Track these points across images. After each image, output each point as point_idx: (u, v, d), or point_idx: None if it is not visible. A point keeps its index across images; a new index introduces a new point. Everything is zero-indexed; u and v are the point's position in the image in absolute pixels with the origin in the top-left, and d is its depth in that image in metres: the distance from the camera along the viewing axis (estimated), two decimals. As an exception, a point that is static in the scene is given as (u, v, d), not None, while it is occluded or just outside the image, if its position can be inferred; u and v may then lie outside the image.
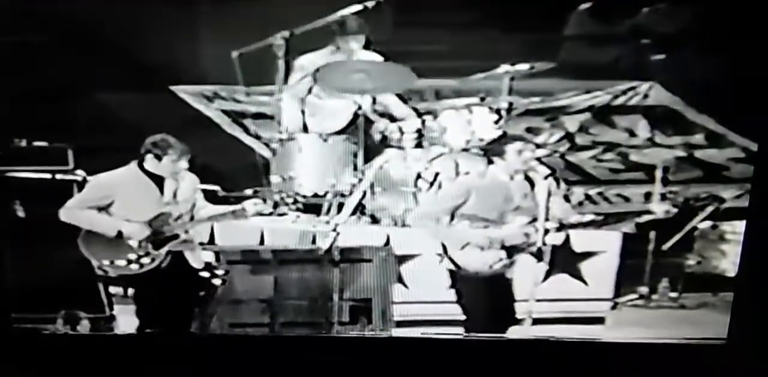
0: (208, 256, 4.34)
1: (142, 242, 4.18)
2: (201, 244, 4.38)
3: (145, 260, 4.24)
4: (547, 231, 4.32)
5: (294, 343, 4.41)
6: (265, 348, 4.36)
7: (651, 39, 4.26)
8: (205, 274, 4.32)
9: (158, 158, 4.18)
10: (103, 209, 4.23)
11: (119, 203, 4.21)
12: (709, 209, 4.44)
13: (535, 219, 4.31)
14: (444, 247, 4.35)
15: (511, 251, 4.33)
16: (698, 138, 4.44)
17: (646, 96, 4.42)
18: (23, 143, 4.26)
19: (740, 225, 4.35)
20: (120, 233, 4.17)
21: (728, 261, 4.42)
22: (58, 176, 4.30)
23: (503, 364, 4.33)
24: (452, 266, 4.34)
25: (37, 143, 4.25)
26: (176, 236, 4.24)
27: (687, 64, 4.26)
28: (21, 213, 4.24)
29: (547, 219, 4.33)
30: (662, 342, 4.32)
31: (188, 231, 4.23)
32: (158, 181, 4.27)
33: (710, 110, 4.37)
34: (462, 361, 4.36)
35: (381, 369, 4.34)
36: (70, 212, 4.17)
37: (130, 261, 4.21)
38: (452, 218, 4.34)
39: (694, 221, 4.45)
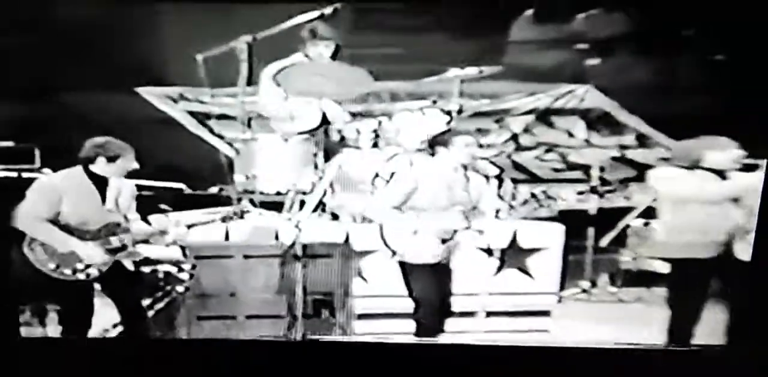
0: (176, 252, 4.10)
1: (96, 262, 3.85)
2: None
3: (92, 270, 3.83)
4: (491, 227, 4.18)
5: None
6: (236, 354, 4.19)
7: (587, 44, 4.20)
8: (173, 269, 4.08)
9: (111, 159, 3.77)
10: (54, 220, 3.76)
11: (66, 211, 3.75)
12: (642, 207, 4.36)
13: (474, 211, 4.15)
14: (381, 233, 4.11)
15: (452, 241, 4.13)
16: (629, 139, 4.39)
17: (582, 99, 4.35)
18: None
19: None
20: (72, 252, 3.76)
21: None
22: (25, 175, 4.02)
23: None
24: (401, 259, 4.11)
25: (3, 143, 4.03)
26: (124, 248, 3.84)
27: (619, 69, 4.20)
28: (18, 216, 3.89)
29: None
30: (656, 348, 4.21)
31: (135, 244, 3.88)
32: (100, 187, 3.82)
33: (640, 112, 4.32)
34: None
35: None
36: (27, 222, 3.71)
37: (75, 271, 3.79)
38: (401, 208, 4.15)
39: (627, 218, 4.35)
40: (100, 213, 3.84)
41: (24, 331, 4.14)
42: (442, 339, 4.16)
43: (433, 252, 4.02)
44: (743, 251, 4.08)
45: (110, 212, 3.85)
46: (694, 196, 4.04)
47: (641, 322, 4.19)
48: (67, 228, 3.79)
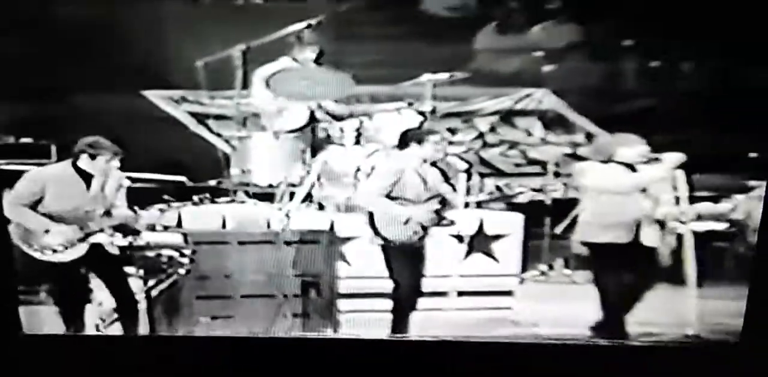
0: (178, 238, 4.33)
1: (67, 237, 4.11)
2: (166, 228, 4.35)
3: (71, 251, 4.13)
4: (460, 216, 4.44)
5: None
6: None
7: (543, 53, 4.42)
8: (175, 253, 4.28)
9: (92, 157, 4.11)
10: (34, 206, 4.08)
11: (49, 198, 4.09)
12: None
13: (444, 201, 4.40)
14: (371, 219, 4.35)
15: (426, 226, 4.38)
16: (580, 137, 4.61)
17: (540, 102, 4.57)
18: (11, 140, 4.25)
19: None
20: (47, 231, 4.06)
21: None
22: (29, 170, 4.20)
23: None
24: (381, 242, 4.36)
25: (23, 140, 4.25)
26: (100, 231, 4.15)
27: (570, 74, 4.42)
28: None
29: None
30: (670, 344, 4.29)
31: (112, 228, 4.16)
32: (87, 179, 4.15)
33: (588, 113, 4.53)
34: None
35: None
36: (10, 208, 4.05)
37: (55, 251, 4.10)
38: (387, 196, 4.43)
39: (577, 208, 4.55)
40: (83, 201, 4.12)
41: (23, 311, 4.22)
42: (437, 336, 4.26)
43: (412, 235, 4.31)
44: (648, 237, 4.33)
45: (93, 200, 4.12)
46: (609, 187, 4.32)
47: (593, 302, 4.36)
48: (47, 215, 4.07)
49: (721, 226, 4.40)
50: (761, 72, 3.98)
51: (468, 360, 4.23)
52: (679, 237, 4.38)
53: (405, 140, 4.42)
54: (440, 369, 4.20)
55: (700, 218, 4.40)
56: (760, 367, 4.07)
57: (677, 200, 4.33)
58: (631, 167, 4.31)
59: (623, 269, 4.36)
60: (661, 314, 4.37)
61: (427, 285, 4.44)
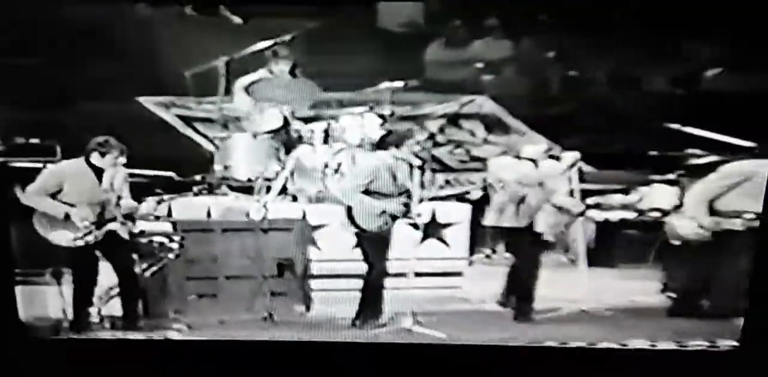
0: (168, 226, 4.63)
1: (87, 222, 4.41)
2: (158, 217, 4.67)
3: (89, 237, 4.45)
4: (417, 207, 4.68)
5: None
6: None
7: (482, 64, 4.79)
8: (165, 240, 4.56)
9: (102, 154, 4.45)
10: (54, 195, 4.45)
11: (67, 190, 4.45)
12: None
13: (410, 195, 4.66)
14: (350, 212, 4.60)
15: (395, 217, 4.62)
16: (514, 138, 4.91)
17: (481, 106, 4.90)
18: (21, 141, 4.53)
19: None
20: (67, 215, 4.39)
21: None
22: (49, 165, 4.50)
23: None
24: (356, 230, 4.61)
25: (32, 140, 4.53)
26: (114, 219, 4.50)
27: (506, 83, 4.81)
28: (20, 193, 4.42)
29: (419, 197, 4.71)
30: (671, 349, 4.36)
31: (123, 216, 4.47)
32: (98, 174, 4.50)
33: (522, 117, 4.90)
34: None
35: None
36: (30, 197, 4.41)
37: (75, 238, 4.43)
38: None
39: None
40: (97, 193, 4.47)
41: (45, 290, 4.50)
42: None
43: (382, 224, 4.59)
44: (541, 224, 4.68)
45: (106, 192, 4.47)
46: (514, 178, 4.69)
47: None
48: (65, 204, 4.43)
49: (631, 215, 4.79)
50: (659, 83, 4.55)
51: (467, 363, 4.32)
52: (569, 224, 4.75)
53: (383, 142, 4.70)
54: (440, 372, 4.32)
55: (612, 208, 4.78)
56: (762, 371, 4.13)
57: (571, 192, 4.68)
58: (534, 163, 4.66)
59: (524, 251, 4.72)
60: (558, 291, 4.67)
61: (390, 266, 4.66)
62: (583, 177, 4.67)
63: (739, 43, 4.15)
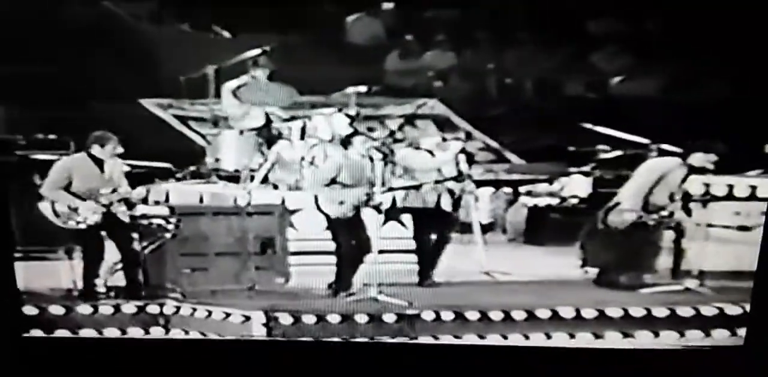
0: (165, 210, 4.93)
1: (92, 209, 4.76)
2: (158, 202, 4.95)
3: (90, 220, 4.79)
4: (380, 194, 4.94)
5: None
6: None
7: (433, 73, 5.11)
8: (163, 222, 4.89)
9: (102, 146, 4.76)
10: (67, 187, 4.80)
11: (76, 182, 4.78)
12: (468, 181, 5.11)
13: (373, 185, 4.94)
14: (316, 201, 4.93)
15: (360, 204, 4.94)
16: (461, 135, 5.22)
17: (432, 108, 5.17)
18: (40, 136, 4.83)
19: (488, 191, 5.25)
20: (76, 208, 4.75)
21: (482, 214, 5.15)
22: (62, 158, 4.84)
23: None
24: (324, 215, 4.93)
25: (50, 136, 4.83)
26: (111, 204, 4.81)
27: (454, 88, 5.10)
28: (38, 182, 4.78)
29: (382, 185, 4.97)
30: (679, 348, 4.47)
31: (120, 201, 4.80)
32: (99, 165, 4.82)
33: (467, 118, 5.20)
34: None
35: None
36: (48, 191, 4.78)
37: (78, 222, 4.79)
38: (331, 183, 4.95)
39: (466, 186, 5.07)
40: (100, 182, 4.83)
41: (54, 265, 4.81)
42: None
43: (348, 212, 4.91)
44: (446, 204, 5.02)
45: (108, 181, 4.84)
46: (417, 167, 5.03)
47: (471, 256, 5.00)
48: (75, 194, 4.79)
49: (554, 201, 5.15)
50: (576, 89, 4.97)
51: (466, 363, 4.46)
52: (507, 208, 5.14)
53: (349, 139, 5.01)
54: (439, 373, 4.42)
55: (539, 195, 5.13)
56: (765, 370, 4.21)
57: (460, 174, 5.01)
58: (430, 153, 5.01)
59: (431, 229, 5.03)
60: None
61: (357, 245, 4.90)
62: (512, 169, 5.08)
63: (638, 53, 4.67)
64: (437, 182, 4.97)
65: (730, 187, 4.85)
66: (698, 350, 4.46)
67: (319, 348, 4.57)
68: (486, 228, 5.09)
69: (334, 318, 4.64)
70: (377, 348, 4.58)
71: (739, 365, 4.20)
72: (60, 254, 4.82)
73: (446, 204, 5.03)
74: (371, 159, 4.93)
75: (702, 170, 4.83)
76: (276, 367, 4.50)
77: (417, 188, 5.00)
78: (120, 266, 4.87)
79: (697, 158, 4.83)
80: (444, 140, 5.06)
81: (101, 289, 4.85)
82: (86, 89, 4.66)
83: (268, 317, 4.62)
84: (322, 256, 4.94)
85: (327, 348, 4.57)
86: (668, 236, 4.87)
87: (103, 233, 4.83)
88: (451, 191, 5.01)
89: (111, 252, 4.86)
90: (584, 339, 4.62)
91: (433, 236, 5.04)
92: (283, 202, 5.04)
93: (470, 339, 4.60)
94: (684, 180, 4.85)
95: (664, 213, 4.86)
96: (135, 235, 4.87)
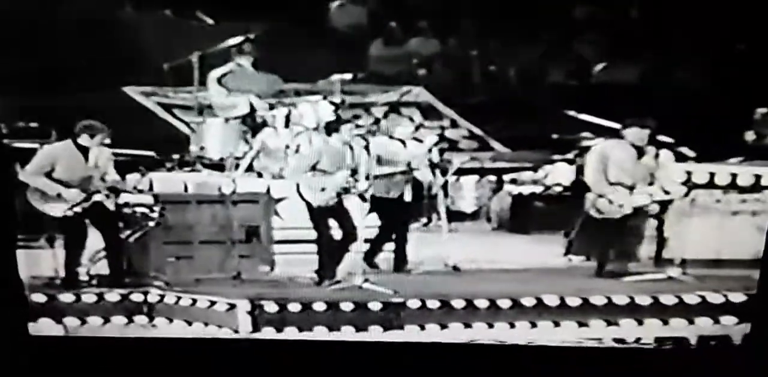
0: (150, 199, 4.84)
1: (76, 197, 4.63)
2: (141, 191, 4.85)
3: (77, 208, 4.68)
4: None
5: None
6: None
7: (417, 60, 5.26)
8: (147, 210, 4.79)
9: (91, 136, 4.67)
10: (48, 174, 4.67)
11: (59, 169, 4.67)
12: (454, 169, 5.11)
13: (355, 172, 4.81)
14: (298, 188, 4.79)
15: (341, 193, 4.81)
16: (446, 122, 5.31)
17: (417, 96, 5.24)
18: (22, 124, 4.85)
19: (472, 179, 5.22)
20: (59, 194, 4.63)
21: (466, 203, 5.21)
22: (44, 147, 4.79)
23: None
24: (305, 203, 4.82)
25: (32, 124, 4.86)
26: (98, 192, 4.71)
27: (438, 76, 5.26)
28: (20, 172, 4.68)
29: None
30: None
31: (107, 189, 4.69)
32: (85, 154, 4.70)
33: (451, 105, 5.29)
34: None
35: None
36: (28, 176, 4.64)
37: (65, 210, 4.65)
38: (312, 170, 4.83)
39: (446, 176, 5.10)
40: (84, 170, 4.71)
41: (36, 253, 4.72)
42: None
43: (330, 200, 4.82)
44: (408, 194, 5.00)
45: (92, 169, 4.71)
46: (388, 157, 4.98)
47: (459, 245, 5.05)
48: (58, 181, 4.65)
49: (538, 189, 5.14)
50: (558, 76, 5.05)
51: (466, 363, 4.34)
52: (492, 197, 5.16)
53: (331, 126, 4.94)
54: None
55: (523, 183, 5.09)
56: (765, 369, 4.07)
57: (433, 166, 4.96)
58: (403, 143, 4.94)
59: (399, 218, 5.00)
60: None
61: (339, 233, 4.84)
62: (496, 156, 5.08)
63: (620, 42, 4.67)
64: (404, 172, 4.93)
65: (712, 175, 4.79)
66: (697, 350, 4.45)
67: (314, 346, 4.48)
68: (470, 217, 5.06)
69: (319, 306, 4.52)
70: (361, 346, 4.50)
71: (738, 365, 4.13)
72: (41, 242, 4.77)
73: (410, 195, 4.99)
74: (351, 148, 4.86)
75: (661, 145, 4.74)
76: (274, 367, 4.41)
77: (401, 174, 4.95)
78: (102, 254, 4.78)
79: (632, 134, 4.75)
80: (417, 128, 5.03)
81: (84, 277, 4.77)
82: (68, 78, 4.68)
83: (254, 305, 4.46)
84: (308, 244, 4.91)
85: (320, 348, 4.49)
86: (651, 224, 4.82)
87: (87, 221, 4.76)
88: (418, 182, 4.98)
89: (94, 241, 4.78)
90: (569, 328, 4.56)
91: (399, 226, 4.98)
92: (268, 191, 5.04)
93: (456, 327, 4.54)
94: (657, 156, 4.77)
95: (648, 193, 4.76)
96: (119, 223, 4.81)
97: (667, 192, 4.72)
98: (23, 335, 4.38)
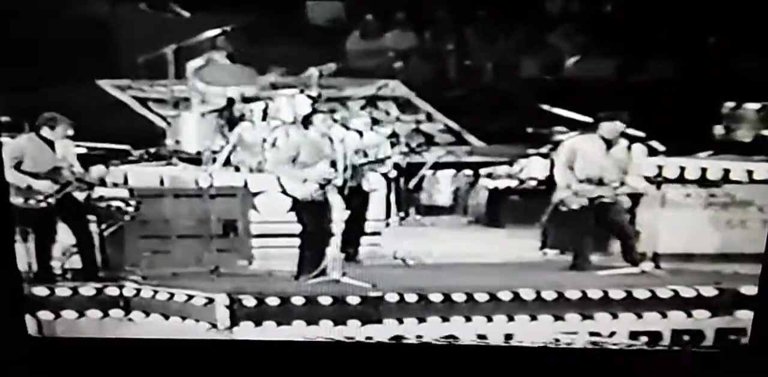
0: (125, 192, 4.75)
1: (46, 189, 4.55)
2: (116, 185, 4.79)
3: (50, 199, 4.59)
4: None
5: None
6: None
7: (393, 53, 5.04)
8: (122, 204, 4.70)
9: (52, 128, 4.58)
10: (17, 167, 4.58)
11: (27, 161, 4.57)
12: (430, 163, 5.09)
13: (335, 164, 4.76)
14: (279, 181, 4.73)
15: (322, 184, 4.73)
16: (422, 116, 5.21)
17: (393, 89, 5.10)
18: None
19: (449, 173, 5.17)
20: (29, 186, 4.55)
21: (443, 196, 5.10)
22: (5, 141, 4.53)
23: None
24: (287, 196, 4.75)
25: (3, 118, 4.60)
26: (69, 183, 4.62)
27: (414, 70, 5.03)
28: None
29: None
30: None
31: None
32: (51, 145, 4.62)
33: (427, 99, 5.17)
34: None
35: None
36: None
37: (39, 201, 4.57)
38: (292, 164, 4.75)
39: (422, 170, 5.07)
40: (51, 162, 4.61)
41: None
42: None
43: (314, 193, 4.73)
44: (367, 185, 4.94)
45: (60, 160, 4.62)
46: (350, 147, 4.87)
47: (433, 239, 4.97)
48: (27, 173, 4.56)
49: (513, 183, 5.05)
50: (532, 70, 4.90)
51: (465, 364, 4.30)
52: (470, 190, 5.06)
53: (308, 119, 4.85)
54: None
55: (499, 177, 5.01)
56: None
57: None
58: (360, 134, 4.88)
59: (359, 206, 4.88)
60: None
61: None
62: (472, 150, 4.98)
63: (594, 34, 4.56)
64: (362, 164, 4.85)
65: (682, 169, 4.74)
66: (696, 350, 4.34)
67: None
68: (447, 211, 4.98)
69: (298, 300, 4.45)
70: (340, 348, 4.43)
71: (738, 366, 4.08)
72: (15, 236, 4.54)
73: (367, 185, 4.91)
74: (330, 139, 4.75)
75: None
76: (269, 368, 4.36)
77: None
78: (75, 248, 4.66)
79: (606, 127, 4.71)
80: (375, 122, 4.95)
81: (57, 271, 4.65)
82: (42, 71, 4.43)
83: (232, 299, 4.42)
84: (285, 238, 4.78)
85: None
86: (623, 217, 4.74)
87: (56, 216, 4.63)
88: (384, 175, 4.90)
89: (65, 234, 4.66)
90: (546, 321, 4.50)
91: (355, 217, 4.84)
92: (246, 184, 4.90)
93: (434, 321, 4.47)
94: (629, 149, 4.71)
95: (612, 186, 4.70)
96: (91, 217, 4.70)
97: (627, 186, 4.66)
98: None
